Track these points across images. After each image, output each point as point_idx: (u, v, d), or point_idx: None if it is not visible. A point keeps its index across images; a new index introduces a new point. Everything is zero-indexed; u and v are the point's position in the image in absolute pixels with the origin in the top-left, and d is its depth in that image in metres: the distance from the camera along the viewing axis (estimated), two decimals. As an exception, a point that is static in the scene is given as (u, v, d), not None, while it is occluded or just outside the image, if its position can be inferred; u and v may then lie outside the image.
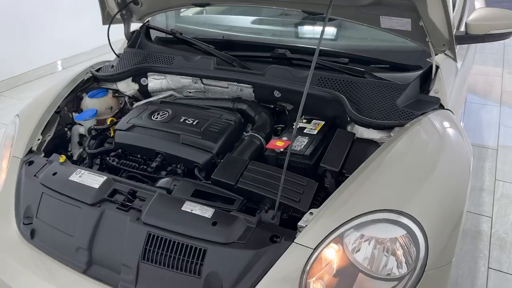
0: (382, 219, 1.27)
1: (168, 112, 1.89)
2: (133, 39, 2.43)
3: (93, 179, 1.55)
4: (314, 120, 1.85)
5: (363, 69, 1.89)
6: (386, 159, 1.42)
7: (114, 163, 1.76)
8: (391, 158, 1.43)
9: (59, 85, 2.11)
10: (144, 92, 2.27)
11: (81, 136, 2.07)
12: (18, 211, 1.62)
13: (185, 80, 2.17)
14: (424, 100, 1.77)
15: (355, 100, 1.74)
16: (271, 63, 2.07)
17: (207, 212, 1.37)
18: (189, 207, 1.39)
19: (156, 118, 1.87)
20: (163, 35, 2.53)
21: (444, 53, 1.81)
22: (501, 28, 2.09)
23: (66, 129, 2.03)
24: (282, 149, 1.63)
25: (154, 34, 2.55)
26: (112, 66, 2.27)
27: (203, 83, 2.15)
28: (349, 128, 1.80)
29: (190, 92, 2.23)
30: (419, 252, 1.23)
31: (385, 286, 1.22)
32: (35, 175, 1.67)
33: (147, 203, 1.43)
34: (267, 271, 1.24)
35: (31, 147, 1.80)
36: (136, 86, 2.27)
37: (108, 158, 1.79)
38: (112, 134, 1.99)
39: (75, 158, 2.02)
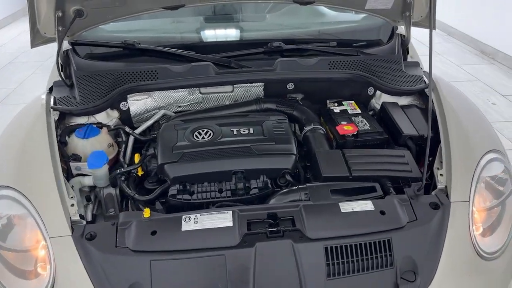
0: (490, 160, 1.52)
1: (210, 129, 1.67)
2: (71, 60, 1.97)
3: (216, 219, 1.30)
4: (343, 102, 1.94)
5: (356, 49, 2.08)
6: (454, 115, 1.66)
7: (189, 200, 1.48)
8: (454, 114, 1.67)
9: (33, 138, 1.57)
10: (126, 119, 1.90)
11: (81, 190, 1.62)
12: None
13: (179, 94, 1.93)
14: (409, 66, 2.08)
15: (376, 76, 1.92)
16: (261, 59, 2.04)
17: (366, 205, 1.35)
18: (347, 207, 1.34)
19: (203, 138, 1.64)
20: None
21: (414, 25, 2.13)
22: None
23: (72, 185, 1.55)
24: (355, 132, 1.69)
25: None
26: (74, 96, 1.80)
27: (201, 93, 1.95)
28: (373, 101, 1.98)
29: (179, 107, 1.99)
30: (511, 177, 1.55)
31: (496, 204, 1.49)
32: (116, 246, 1.27)
33: (300, 219, 1.30)
34: (446, 235, 1.34)
35: (70, 218, 1.34)
36: (116, 114, 1.88)
37: (175, 199, 1.49)
38: (140, 173, 1.63)
39: (89, 218, 1.58)
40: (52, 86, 1.92)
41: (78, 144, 1.65)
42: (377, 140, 1.71)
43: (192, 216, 1.31)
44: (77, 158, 1.60)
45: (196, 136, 1.65)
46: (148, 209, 1.33)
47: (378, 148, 1.69)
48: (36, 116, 1.66)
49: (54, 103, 1.77)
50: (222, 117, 1.79)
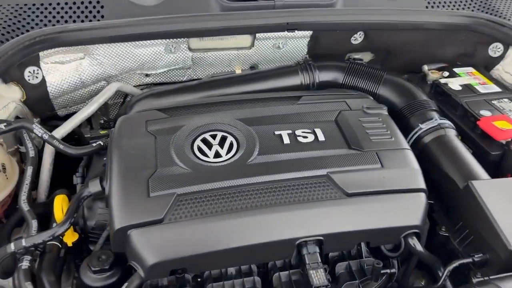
0: None
1: (230, 133, 0.75)
2: None
3: None
4: (454, 69, 1.08)
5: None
6: None
7: None
8: None
9: None
10: (38, 101, 0.94)
11: None
12: None
13: (148, 50, 0.98)
14: None
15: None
16: None
17: None
18: None
19: (218, 155, 0.72)
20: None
21: None
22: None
23: None
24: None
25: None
26: None
27: (190, 49, 1.01)
28: (500, 68, 1.14)
29: (147, 76, 1.05)
30: None
31: None
32: None
33: None
34: None
35: None
36: (18, 92, 0.91)
37: None
38: (72, 240, 0.70)
39: None
40: None
41: None
42: None
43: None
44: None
45: (201, 149, 0.73)
46: None
47: None
48: None
49: None
50: (242, 102, 0.87)
